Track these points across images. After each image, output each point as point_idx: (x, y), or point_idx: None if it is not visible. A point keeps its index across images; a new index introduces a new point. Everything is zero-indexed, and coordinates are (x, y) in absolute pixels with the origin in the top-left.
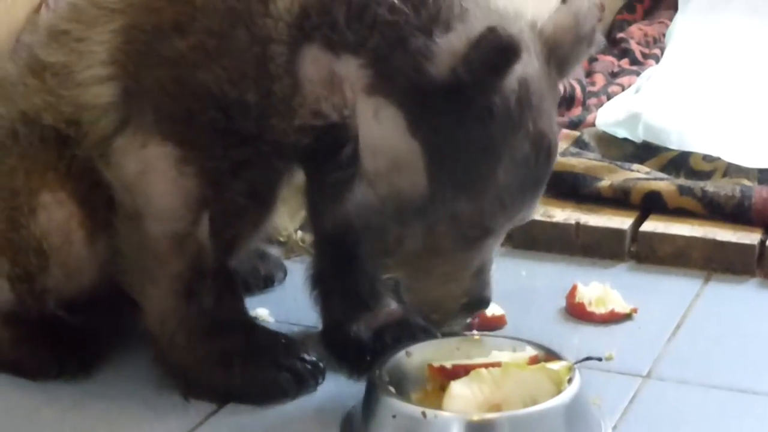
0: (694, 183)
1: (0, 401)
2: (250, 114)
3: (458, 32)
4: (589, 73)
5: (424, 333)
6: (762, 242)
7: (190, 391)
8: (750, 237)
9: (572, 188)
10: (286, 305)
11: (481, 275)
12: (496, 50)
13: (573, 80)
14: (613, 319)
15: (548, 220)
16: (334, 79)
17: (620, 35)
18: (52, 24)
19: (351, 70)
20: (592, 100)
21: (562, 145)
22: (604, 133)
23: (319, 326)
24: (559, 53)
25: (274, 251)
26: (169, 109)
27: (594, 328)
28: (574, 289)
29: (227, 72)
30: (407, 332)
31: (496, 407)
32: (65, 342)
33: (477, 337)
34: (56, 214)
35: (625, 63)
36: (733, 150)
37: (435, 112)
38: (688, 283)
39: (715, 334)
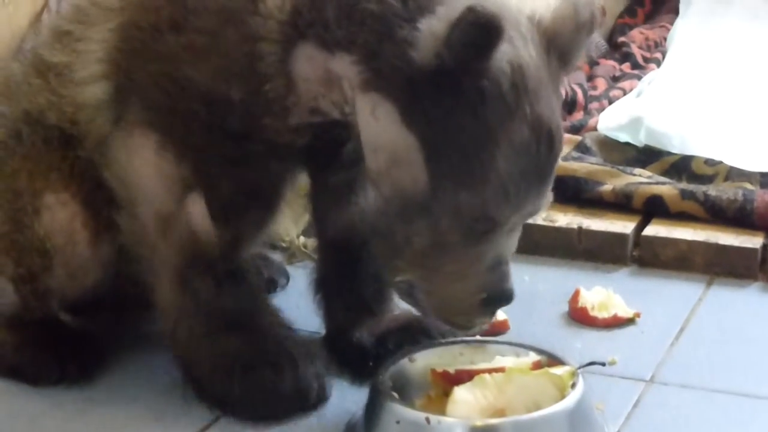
0: (696, 187)
1: (3, 408)
2: (235, 111)
3: (439, 15)
4: (590, 78)
5: (428, 338)
6: (764, 246)
7: (190, 393)
8: (752, 241)
9: (574, 193)
10: (288, 311)
11: (497, 268)
12: (476, 28)
13: (574, 84)
14: (616, 323)
15: (550, 224)
16: (332, 77)
17: (621, 39)
18: (55, 24)
19: (346, 67)
20: (594, 105)
21: (563, 150)
22: (606, 137)
23: (322, 331)
24: (558, 42)
25: (277, 256)
26: (154, 100)
27: (597, 332)
28: (576, 293)
29: (213, 69)
30: (410, 338)
31: (500, 412)
32: (67, 348)
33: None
34: (60, 215)
35: (626, 67)
36: (735, 154)
37: (426, 101)
38: (690, 288)
39: (718, 339)
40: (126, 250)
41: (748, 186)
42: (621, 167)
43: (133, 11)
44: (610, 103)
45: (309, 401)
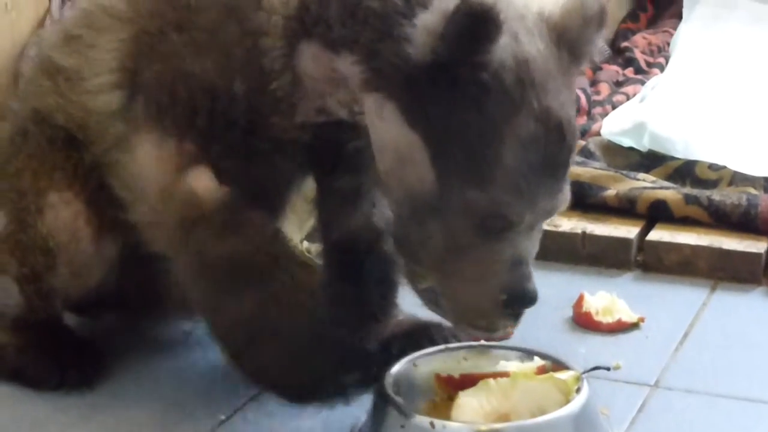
0: (700, 192)
1: (6, 412)
2: (239, 105)
3: (434, 10)
4: (593, 83)
5: (432, 344)
6: None
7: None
8: (756, 246)
9: (578, 197)
10: None
11: (517, 269)
12: (471, 21)
13: (578, 89)
14: (620, 328)
15: (554, 229)
16: (338, 77)
17: (624, 44)
18: (65, 27)
19: (350, 67)
20: (597, 110)
21: None
22: (610, 142)
23: None
24: (568, 37)
25: None
26: (159, 97)
27: (601, 337)
28: (580, 298)
29: (214, 63)
30: (414, 343)
31: (505, 417)
32: (68, 353)
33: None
34: (63, 213)
35: (629, 72)
36: (738, 158)
37: (427, 99)
38: (694, 292)
39: (722, 343)
40: (136, 251)
41: (752, 191)
42: (625, 172)
43: (142, 20)
44: (614, 108)
45: (344, 400)
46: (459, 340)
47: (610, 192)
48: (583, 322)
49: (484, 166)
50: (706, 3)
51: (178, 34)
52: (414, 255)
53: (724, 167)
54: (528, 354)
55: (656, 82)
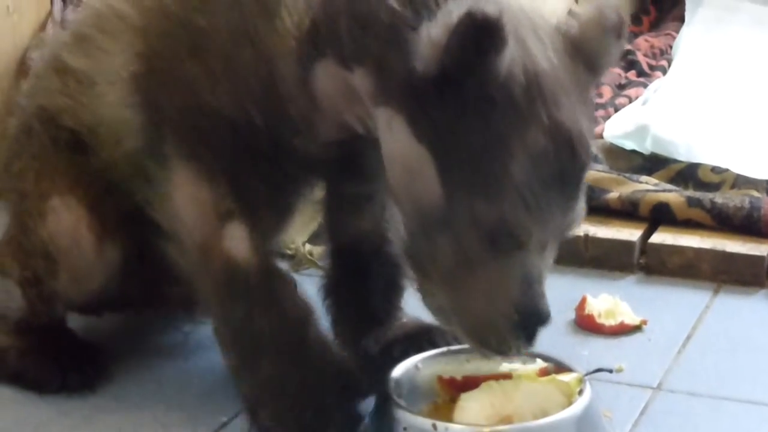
0: (702, 194)
1: (9, 415)
2: (261, 135)
3: (438, 22)
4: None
5: (434, 347)
6: None
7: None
8: (759, 248)
9: None
10: None
11: (529, 288)
12: (475, 32)
13: None
14: (623, 331)
15: None
16: (353, 93)
17: (627, 47)
18: (75, 27)
19: (362, 81)
20: (600, 112)
21: None
22: (612, 145)
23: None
24: (586, 49)
25: (283, 264)
26: (184, 131)
27: (604, 340)
28: (583, 301)
29: (232, 94)
30: (417, 346)
31: (507, 419)
32: (70, 357)
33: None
34: (65, 218)
35: (632, 75)
36: (741, 161)
37: (433, 111)
38: (697, 295)
39: (725, 346)
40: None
41: (755, 193)
42: (627, 175)
43: (155, 38)
44: (616, 110)
45: None
46: (461, 343)
47: (613, 195)
48: (586, 324)
49: (491, 180)
50: (709, 6)
51: (192, 62)
52: (424, 269)
53: (727, 170)
54: (530, 356)
55: (659, 84)
